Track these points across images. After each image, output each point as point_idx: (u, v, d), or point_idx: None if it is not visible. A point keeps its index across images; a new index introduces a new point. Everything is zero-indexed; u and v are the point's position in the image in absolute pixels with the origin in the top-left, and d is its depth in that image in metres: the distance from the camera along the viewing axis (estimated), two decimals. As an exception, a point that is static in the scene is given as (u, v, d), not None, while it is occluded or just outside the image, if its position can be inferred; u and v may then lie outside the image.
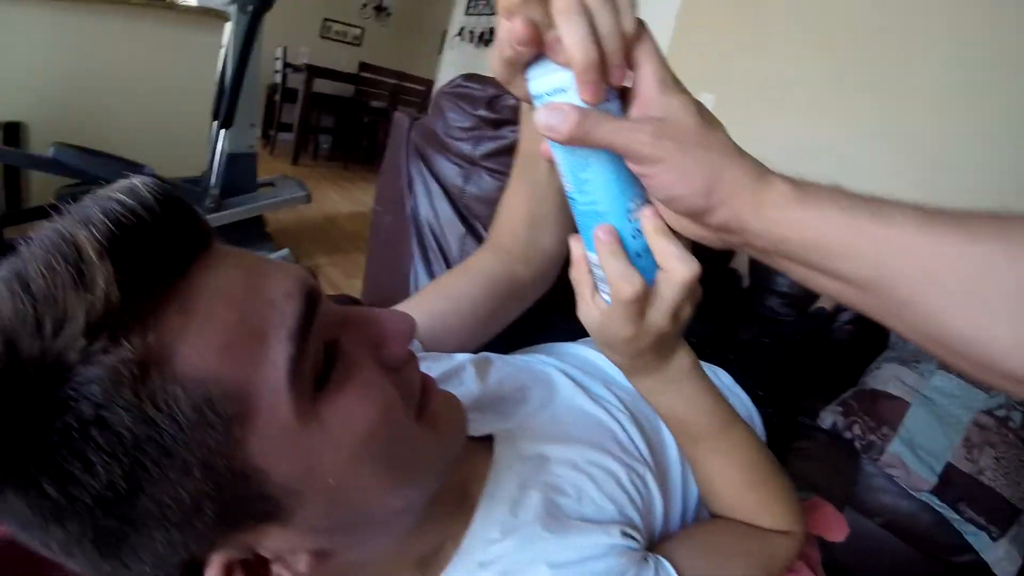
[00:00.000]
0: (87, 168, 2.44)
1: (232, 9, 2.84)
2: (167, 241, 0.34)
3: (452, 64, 4.95)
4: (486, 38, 4.46)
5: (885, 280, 0.36)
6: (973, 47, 2.28)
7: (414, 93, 6.64)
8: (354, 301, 1.20)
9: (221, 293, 0.35)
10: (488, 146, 1.04)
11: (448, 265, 1.09)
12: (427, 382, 0.47)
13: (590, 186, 0.44)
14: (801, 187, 0.41)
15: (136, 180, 0.36)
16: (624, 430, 0.68)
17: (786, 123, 2.79)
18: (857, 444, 1.48)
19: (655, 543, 0.61)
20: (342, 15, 8.10)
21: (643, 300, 0.46)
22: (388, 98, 6.48)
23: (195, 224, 0.37)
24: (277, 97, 6.40)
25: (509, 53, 0.40)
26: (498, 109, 1.02)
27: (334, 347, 0.40)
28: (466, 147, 1.05)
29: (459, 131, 1.06)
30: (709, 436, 0.60)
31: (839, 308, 2.18)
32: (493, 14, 4.39)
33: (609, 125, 0.40)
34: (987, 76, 2.27)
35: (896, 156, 2.47)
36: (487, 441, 0.60)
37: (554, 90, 0.41)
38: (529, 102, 0.44)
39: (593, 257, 0.47)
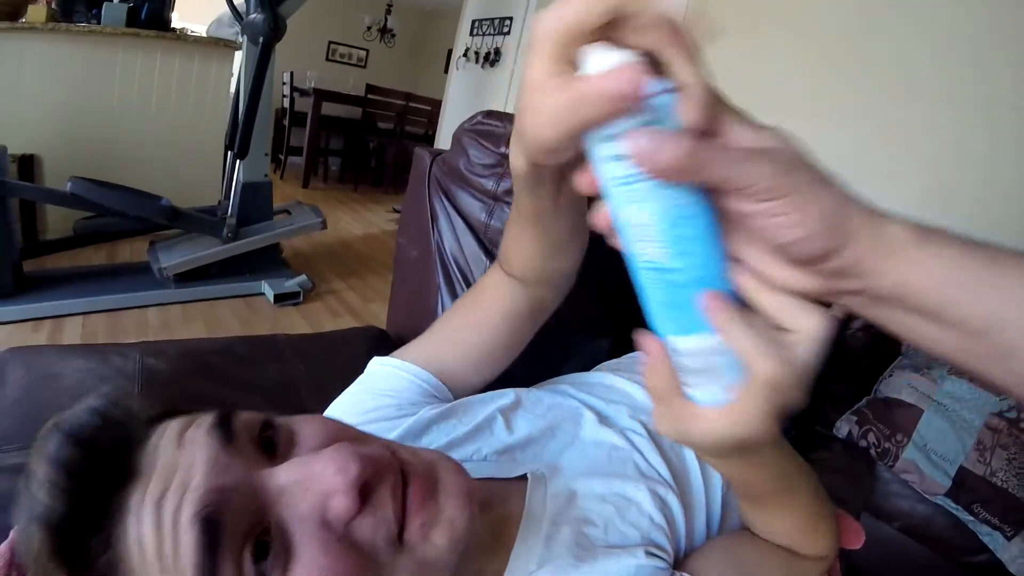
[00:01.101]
0: (104, 202, 2.49)
1: (243, 40, 2.89)
2: (95, 496, 0.39)
3: (459, 85, 5.00)
4: (492, 59, 4.52)
5: (996, 327, 0.34)
6: (973, 50, 2.29)
7: (421, 113, 6.70)
8: (381, 335, 1.25)
9: (139, 542, 0.38)
10: (510, 182, 1.09)
11: (475, 297, 1.14)
12: (407, 504, 0.43)
13: (690, 244, 0.33)
14: (918, 228, 0.36)
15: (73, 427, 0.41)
16: (645, 458, 0.70)
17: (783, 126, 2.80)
18: (873, 452, 1.52)
19: (681, 558, 0.64)
20: (347, 38, 8.20)
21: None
22: (396, 119, 6.54)
23: (123, 458, 0.41)
24: (286, 121, 6.47)
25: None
26: (518, 146, 1.07)
27: (267, 535, 0.39)
28: (489, 183, 1.10)
29: (481, 168, 1.10)
30: (774, 495, 0.61)
31: (851, 315, 2.21)
32: (498, 35, 4.46)
33: (729, 154, 0.32)
34: (989, 79, 2.28)
35: (899, 161, 2.48)
36: (522, 480, 0.63)
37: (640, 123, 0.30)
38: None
39: (688, 345, 0.35)
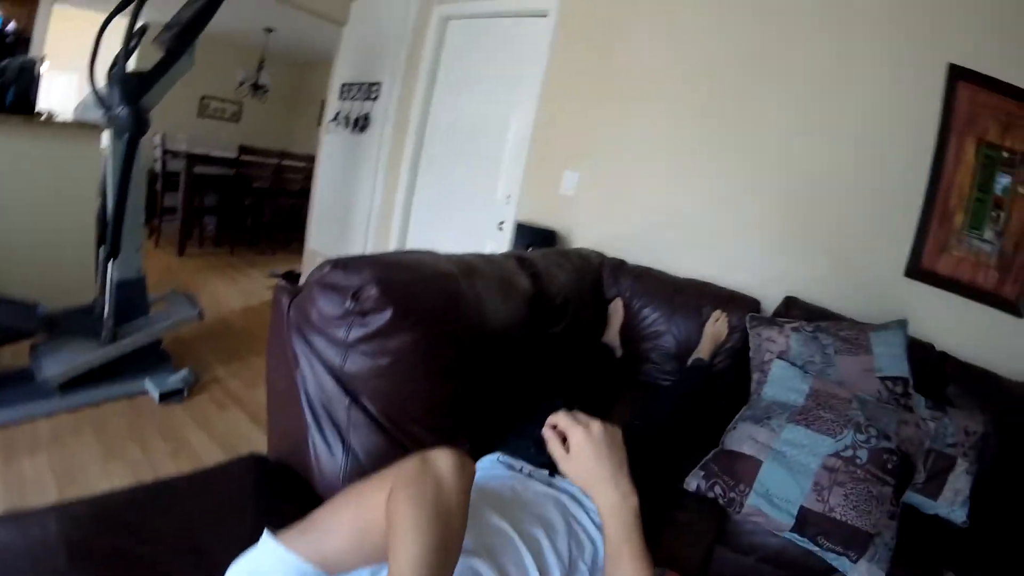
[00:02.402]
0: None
1: (108, 135, 2.86)
2: None
3: (331, 148, 5.02)
4: (361, 124, 4.56)
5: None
6: (811, 114, 2.60)
7: (296, 170, 6.68)
8: (263, 464, 1.32)
9: None
10: (358, 332, 1.18)
11: (340, 434, 1.23)
12: None
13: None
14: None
15: None
16: None
17: (643, 190, 3.02)
18: (720, 501, 1.67)
19: None
20: (220, 92, 8.06)
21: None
22: (271, 178, 6.49)
23: None
24: (158, 186, 6.29)
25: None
26: (362, 301, 1.16)
27: None
28: (340, 333, 1.19)
29: (331, 319, 1.19)
30: (624, 545, 0.90)
31: (714, 353, 2.43)
32: (367, 100, 4.53)
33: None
34: (819, 130, 2.59)
35: (753, 210, 2.72)
36: None
37: None
38: None
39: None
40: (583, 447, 0.94)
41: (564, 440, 0.97)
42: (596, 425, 0.96)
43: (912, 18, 2.39)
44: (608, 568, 0.90)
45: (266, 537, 0.86)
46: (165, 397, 2.84)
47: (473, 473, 0.86)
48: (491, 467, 1.27)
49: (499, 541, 0.93)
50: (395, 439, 1.26)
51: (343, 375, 1.22)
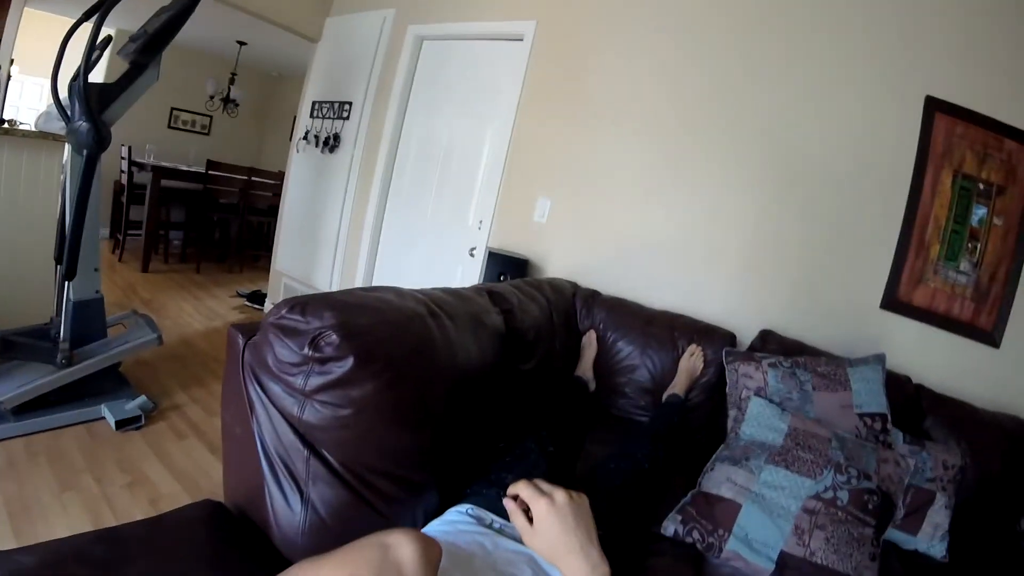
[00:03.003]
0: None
1: (68, 148, 2.75)
2: None
3: (300, 167, 4.92)
4: (331, 144, 4.48)
5: None
6: (787, 144, 2.60)
7: (265, 187, 6.58)
8: (219, 512, 1.23)
9: None
10: (317, 380, 1.10)
11: (299, 486, 1.15)
12: None
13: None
14: None
15: None
16: None
17: (616, 219, 2.99)
18: (698, 546, 1.62)
19: None
20: (190, 104, 7.96)
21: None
22: (239, 194, 6.38)
23: None
24: (123, 198, 6.17)
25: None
26: (321, 348, 1.09)
27: None
28: (297, 381, 1.11)
29: (288, 366, 1.11)
30: None
31: (690, 388, 2.39)
32: (338, 119, 4.46)
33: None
34: (792, 159, 2.58)
35: (728, 241, 2.71)
36: None
37: None
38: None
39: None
40: (548, 520, 0.87)
41: (527, 510, 0.90)
42: (560, 495, 0.89)
43: (889, 50, 2.41)
44: None
45: None
46: (122, 424, 2.73)
47: (438, 557, 0.78)
48: (460, 520, 1.20)
49: None
50: (358, 493, 1.18)
51: (301, 425, 1.14)
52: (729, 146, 2.73)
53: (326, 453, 1.16)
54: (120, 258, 6.04)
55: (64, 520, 2.09)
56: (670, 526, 1.67)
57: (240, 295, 5.41)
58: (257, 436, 1.18)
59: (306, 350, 1.10)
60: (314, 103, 4.82)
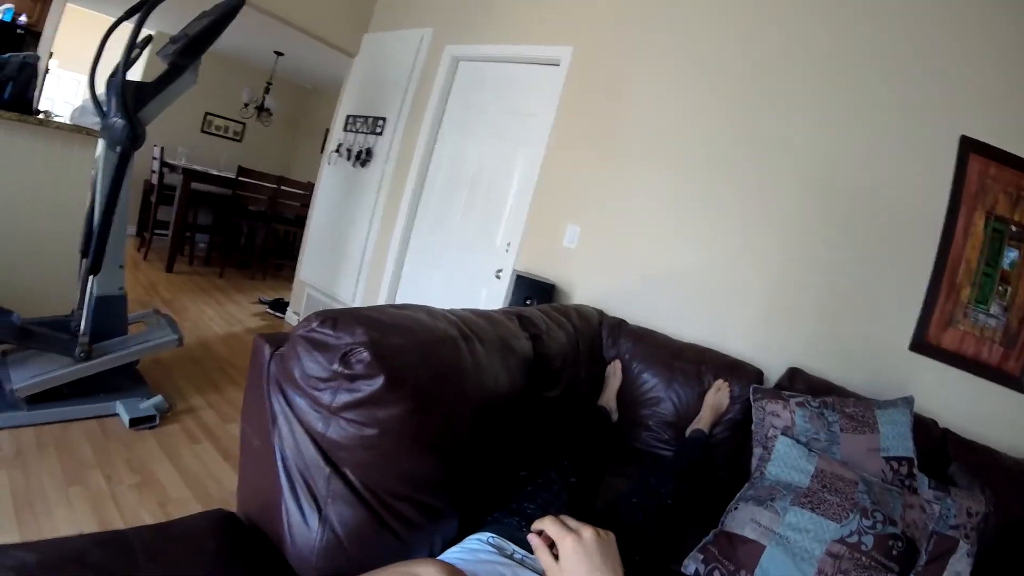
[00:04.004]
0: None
1: (101, 144, 2.77)
2: None
3: (331, 179, 4.95)
4: (363, 159, 4.50)
5: None
6: (819, 182, 2.57)
7: (293, 197, 6.63)
8: (231, 522, 1.20)
9: None
10: (345, 398, 1.07)
11: (317, 504, 1.11)
12: None
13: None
14: None
15: None
16: None
17: (645, 250, 2.97)
18: None
19: None
20: (224, 110, 8.05)
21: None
22: (267, 202, 6.42)
23: None
24: (153, 198, 6.22)
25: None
26: (351, 365, 1.06)
27: None
28: (324, 396, 1.08)
29: (316, 380, 1.08)
30: None
31: (714, 424, 2.34)
32: (371, 134, 4.48)
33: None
34: (823, 200, 2.55)
35: (757, 277, 2.67)
36: None
37: None
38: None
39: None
40: (575, 557, 0.83)
41: (552, 545, 0.87)
42: (588, 532, 0.86)
43: (926, 90, 2.39)
44: None
45: None
46: (136, 423, 2.72)
47: None
48: (480, 548, 1.15)
49: None
50: (377, 515, 1.14)
51: (325, 441, 1.11)
52: (759, 183, 2.70)
53: (348, 472, 1.12)
54: (145, 256, 6.09)
55: (69, 515, 2.06)
56: (691, 565, 1.63)
57: (262, 302, 5.41)
58: (277, 449, 1.15)
59: (336, 366, 1.07)
60: (348, 116, 4.85)
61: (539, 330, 1.91)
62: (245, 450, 1.32)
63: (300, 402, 1.12)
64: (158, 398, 2.87)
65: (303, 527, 1.12)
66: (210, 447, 2.75)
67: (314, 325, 1.11)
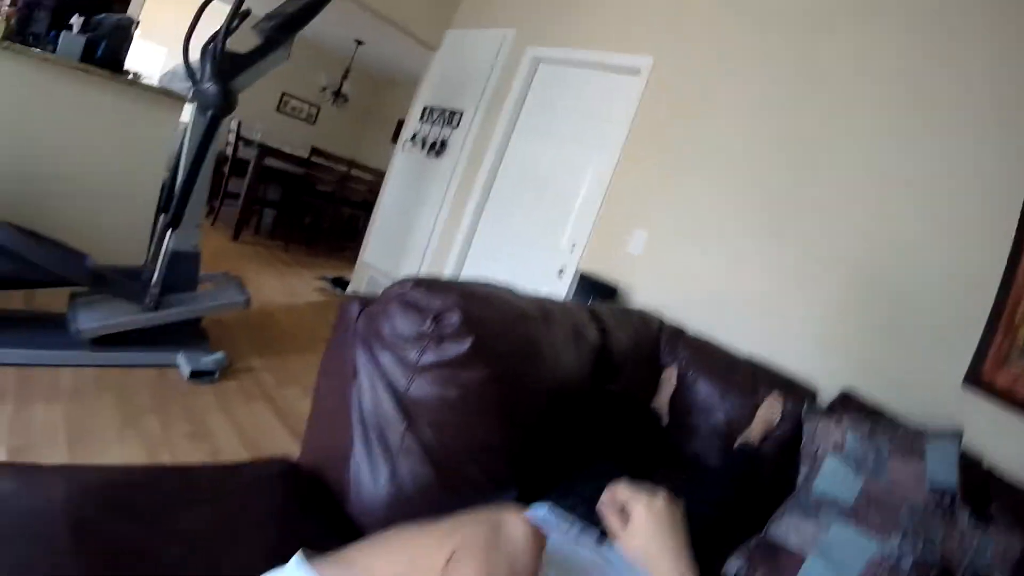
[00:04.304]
0: (30, 256, 2.42)
1: (190, 108, 2.89)
2: None
3: (403, 166, 5.03)
4: (437, 149, 4.57)
5: None
6: (885, 211, 2.56)
7: (362, 181, 6.73)
8: (292, 472, 1.25)
9: None
10: (431, 358, 1.12)
11: (389, 457, 1.16)
12: None
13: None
14: None
15: None
16: None
17: (710, 263, 2.97)
18: None
19: None
20: (301, 92, 8.24)
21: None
22: (336, 184, 6.55)
23: None
24: (226, 168, 6.39)
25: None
26: (443, 326, 1.10)
27: None
28: (411, 354, 1.13)
29: (405, 338, 1.13)
30: None
31: (764, 438, 2.33)
32: (447, 126, 4.55)
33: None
34: (888, 229, 2.54)
35: (816, 300, 2.67)
36: None
37: None
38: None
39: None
40: (647, 520, 0.86)
41: (621, 510, 0.89)
42: (660, 497, 0.88)
43: (997, 125, 2.35)
44: None
45: (298, 561, 0.78)
46: (195, 375, 2.81)
47: (544, 545, 0.76)
48: (540, 517, 1.18)
49: None
50: (446, 475, 1.19)
51: (405, 398, 1.16)
52: (829, 209, 2.68)
53: (423, 430, 1.17)
54: (213, 223, 6.27)
55: (121, 455, 2.10)
56: (732, 567, 1.64)
57: (324, 279, 5.51)
58: (355, 403, 1.20)
59: (427, 326, 1.12)
60: (425, 108, 4.93)
61: (606, 324, 1.94)
62: (318, 403, 1.38)
63: (385, 359, 1.17)
64: (219, 354, 2.95)
65: (371, 480, 1.17)
66: (265, 407, 2.82)
67: (409, 287, 1.16)
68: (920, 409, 2.30)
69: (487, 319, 1.19)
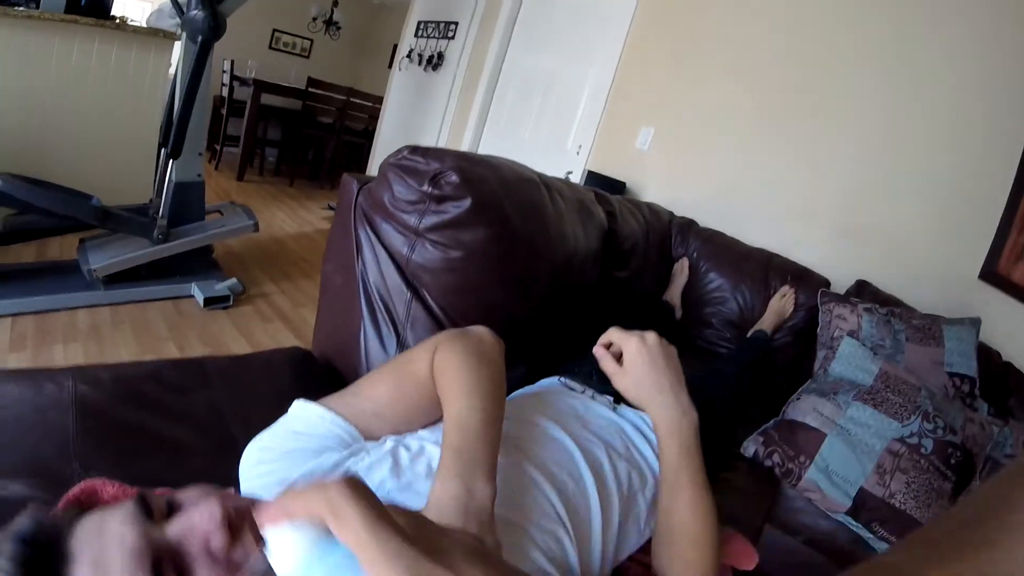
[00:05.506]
0: (35, 201, 2.41)
1: (182, 34, 2.82)
2: None
3: (401, 85, 4.95)
4: (434, 62, 4.48)
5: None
6: (899, 101, 2.47)
7: (362, 109, 6.61)
8: (306, 357, 1.26)
9: None
10: (432, 220, 1.10)
11: (396, 328, 1.15)
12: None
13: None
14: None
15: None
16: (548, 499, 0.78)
17: (719, 155, 2.91)
18: (777, 471, 1.59)
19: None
20: (291, 27, 8.03)
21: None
22: (336, 114, 6.45)
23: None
24: (223, 110, 6.31)
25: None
26: (441, 186, 1.08)
27: (182, 563, 0.53)
28: (411, 219, 1.11)
29: (405, 204, 1.11)
30: (682, 473, 0.81)
31: (777, 327, 2.33)
32: (443, 38, 4.44)
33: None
34: (902, 121, 2.45)
35: (829, 191, 2.61)
36: None
37: None
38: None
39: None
40: (639, 357, 0.85)
41: (618, 358, 0.89)
42: (652, 335, 0.88)
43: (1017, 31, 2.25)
44: (664, 499, 0.82)
45: (299, 402, 0.82)
46: (210, 302, 2.83)
47: (504, 348, 0.87)
48: (550, 385, 1.18)
49: (558, 454, 0.86)
50: (454, 342, 1.18)
51: (409, 265, 1.15)
52: (839, 96, 2.60)
53: (429, 297, 1.16)
54: (216, 167, 6.22)
55: None
56: (751, 446, 1.65)
57: (332, 208, 5.49)
58: (360, 278, 1.20)
59: (425, 187, 1.10)
60: (420, 23, 4.81)
61: (612, 207, 1.91)
62: (326, 291, 1.37)
63: (386, 227, 1.16)
64: (233, 280, 2.97)
65: (380, 352, 1.18)
66: (282, 326, 2.85)
67: (405, 153, 1.14)
68: (936, 301, 2.27)
69: (486, 179, 1.16)
